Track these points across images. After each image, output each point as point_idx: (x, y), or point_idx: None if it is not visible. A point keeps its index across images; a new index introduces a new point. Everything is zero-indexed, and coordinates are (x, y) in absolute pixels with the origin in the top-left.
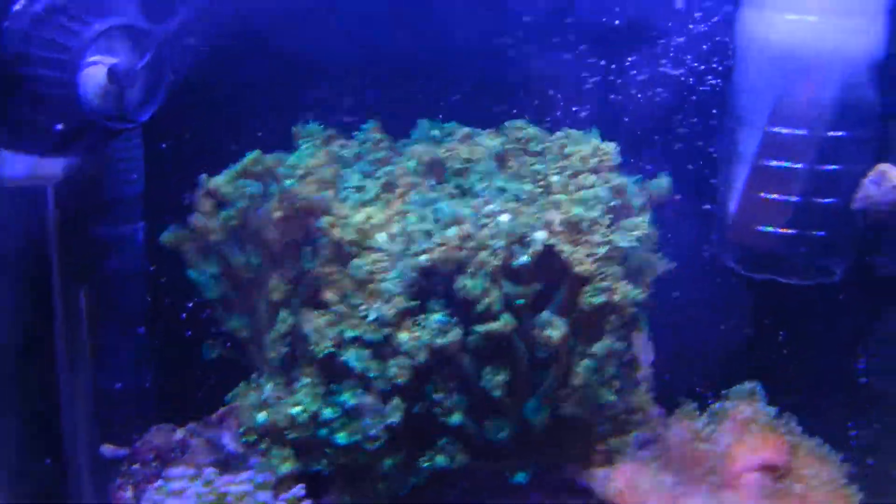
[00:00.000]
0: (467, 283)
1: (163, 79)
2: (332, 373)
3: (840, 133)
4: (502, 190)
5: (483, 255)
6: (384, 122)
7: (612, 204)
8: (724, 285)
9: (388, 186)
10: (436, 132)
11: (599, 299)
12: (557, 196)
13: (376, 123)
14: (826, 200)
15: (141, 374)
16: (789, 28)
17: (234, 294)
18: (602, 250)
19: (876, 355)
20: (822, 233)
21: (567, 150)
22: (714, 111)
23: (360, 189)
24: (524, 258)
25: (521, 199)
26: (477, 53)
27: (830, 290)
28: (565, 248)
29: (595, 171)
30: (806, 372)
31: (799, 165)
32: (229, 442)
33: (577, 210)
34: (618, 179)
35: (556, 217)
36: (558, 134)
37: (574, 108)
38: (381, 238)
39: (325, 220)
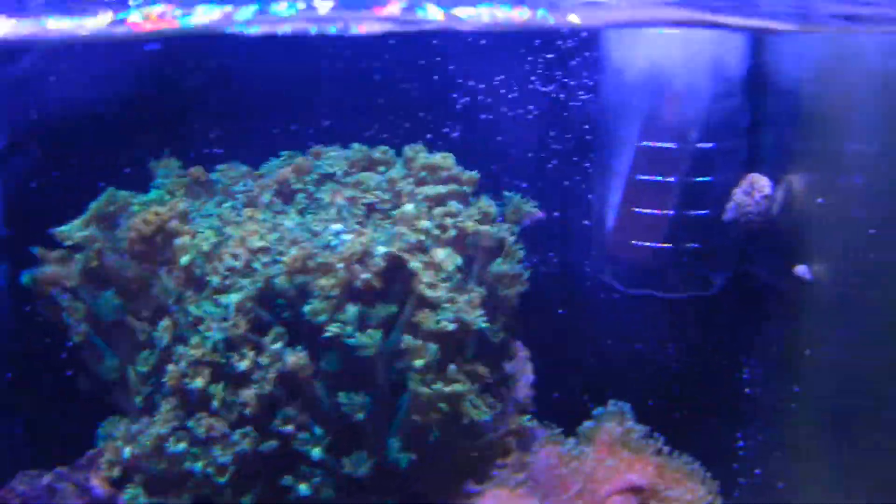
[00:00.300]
0: (314, 306)
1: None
2: (188, 404)
3: (709, 145)
4: (348, 205)
5: (326, 277)
6: (251, 151)
7: (466, 220)
8: (606, 302)
9: (240, 210)
10: (297, 160)
11: (449, 326)
12: (405, 209)
13: (235, 159)
14: (699, 213)
15: (9, 419)
16: (655, 42)
17: (100, 336)
18: (452, 266)
19: (758, 366)
20: (697, 245)
21: (415, 165)
22: (586, 127)
23: (213, 216)
24: (366, 275)
25: (367, 214)
26: (344, 79)
27: (711, 302)
28: (413, 265)
29: (443, 182)
30: (692, 385)
31: (671, 179)
32: (97, 485)
33: (426, 224)
34: (483, 202)
35: (404, 232)
36: (405, 150)
37: (445, 130)
38: (227, 261)
39: (175, 246)
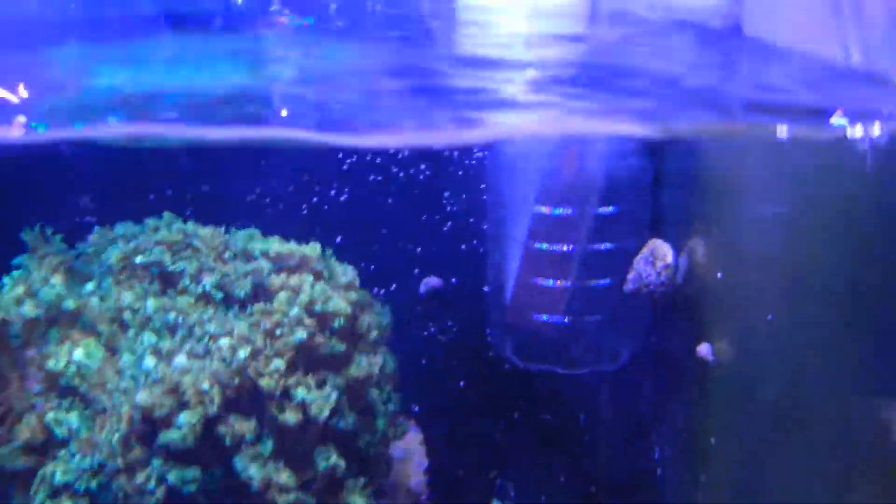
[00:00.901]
0: (172, 436)
1: None
2: None
3: (610, 209)
4: (221, 295)
5: (187, 412)
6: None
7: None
8: (511, 374)
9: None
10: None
11: (293, 416)
12: (274, 304)
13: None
14: (601, 282)
15: None
16: None
17: None
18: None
19: (666, 446)
20: (600, 317)
21: (277, 252)
22: (483, 187)
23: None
24: (236, 381)
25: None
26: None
27: (620, 376)
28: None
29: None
30: (601, 467)
31: (569, 248)
32: None
33: (281, 316)
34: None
35: (264, 324)
36: (271, 244)
37: (332, 192)
38: (111, 382)
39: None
